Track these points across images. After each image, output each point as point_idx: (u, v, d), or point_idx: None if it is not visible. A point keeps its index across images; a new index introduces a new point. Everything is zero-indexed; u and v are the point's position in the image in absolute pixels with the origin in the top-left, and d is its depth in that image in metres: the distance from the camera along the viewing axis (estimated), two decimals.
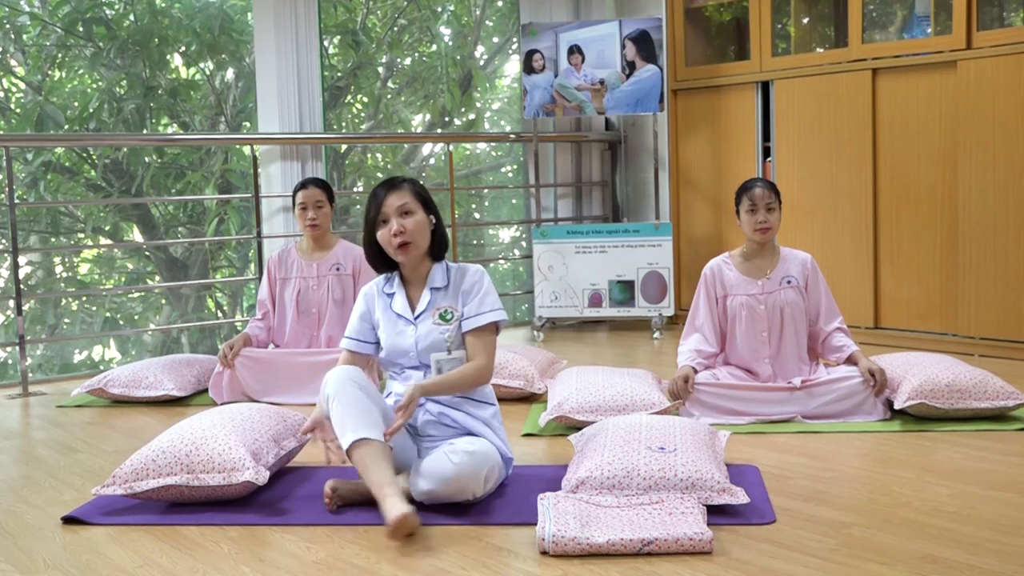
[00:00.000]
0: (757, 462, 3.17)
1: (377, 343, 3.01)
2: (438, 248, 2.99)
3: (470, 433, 2.87)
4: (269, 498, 2.90)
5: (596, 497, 2.63)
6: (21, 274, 5.48)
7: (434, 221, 2.96)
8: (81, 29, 7.77)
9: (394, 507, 2.51)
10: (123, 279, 8.52)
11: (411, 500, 2.70)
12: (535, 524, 2.53)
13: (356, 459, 2.67)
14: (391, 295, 3.01)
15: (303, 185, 4.47)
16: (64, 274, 8.33)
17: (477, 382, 2.91)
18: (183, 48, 8.15)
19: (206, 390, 4.44)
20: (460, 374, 2.87)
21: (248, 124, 8.24)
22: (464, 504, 2.75)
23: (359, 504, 2.79)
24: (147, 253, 8.45)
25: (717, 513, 2.64)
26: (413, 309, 2.97)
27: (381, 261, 2.98)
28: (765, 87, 5.78)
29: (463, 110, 9.31)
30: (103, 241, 8.24)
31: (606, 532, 2.40)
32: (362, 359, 3.03)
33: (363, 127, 9.18)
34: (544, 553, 2.40)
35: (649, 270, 5.93)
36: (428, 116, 9.44)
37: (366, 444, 2.65)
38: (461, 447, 2.70)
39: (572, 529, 2.40)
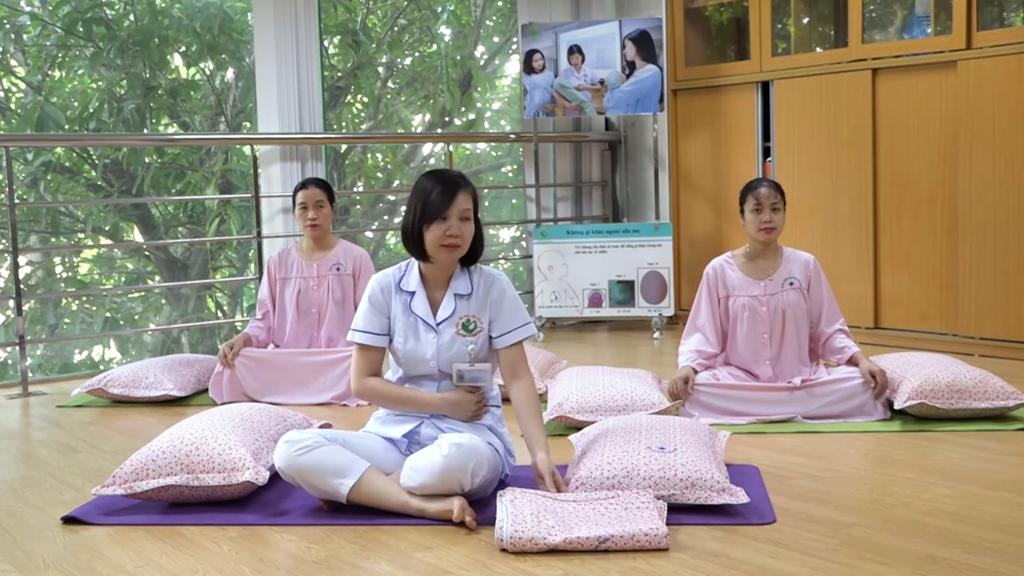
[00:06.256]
0: (757, 462, 3.17)
1: (390, 337, 2.92)
2: (473, 256, 2.89)
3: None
4: (269, 498, 2.90)
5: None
6: (21, 274, 5.48)
7: (474, 229, 2.87)
8: (81, 29, 7.78)
9: (437, 504, 2.63)
10: (123, 279, 8.52)
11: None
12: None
13: (363, 498, 2.70)
14: (411, 294, 2.90)
15: (303, 185, 4.47)
16: (64, 274, 8.33)
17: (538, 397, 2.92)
18: (183, 48, 8.15)
19: (206, 390, 4.44)
20: (534, 403, 2.85)
21: (248, 124, 8.24)
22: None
23: None
24: (147, 253, 8.45)
25: (717, 513, 2.64)
26: (434, 313, 2.89)
27: (417, 249, 2.84)
28: (765, 87, 5.78)
29: (463, 110, 9.31)
30: (103, 241, 8.24)
31: (562, 531, 2.42)
32: (377, 354, 2.92)
33: (363, 127, 9.18)
34: (504, 551, 2.41)
35: (649, 270, 5.93)
36: (428, 116, 9.45)
37: (361, 481, 2.69)
38: (450, 440, 2.67)
39: (529, 529, 2.42)
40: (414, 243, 2.82)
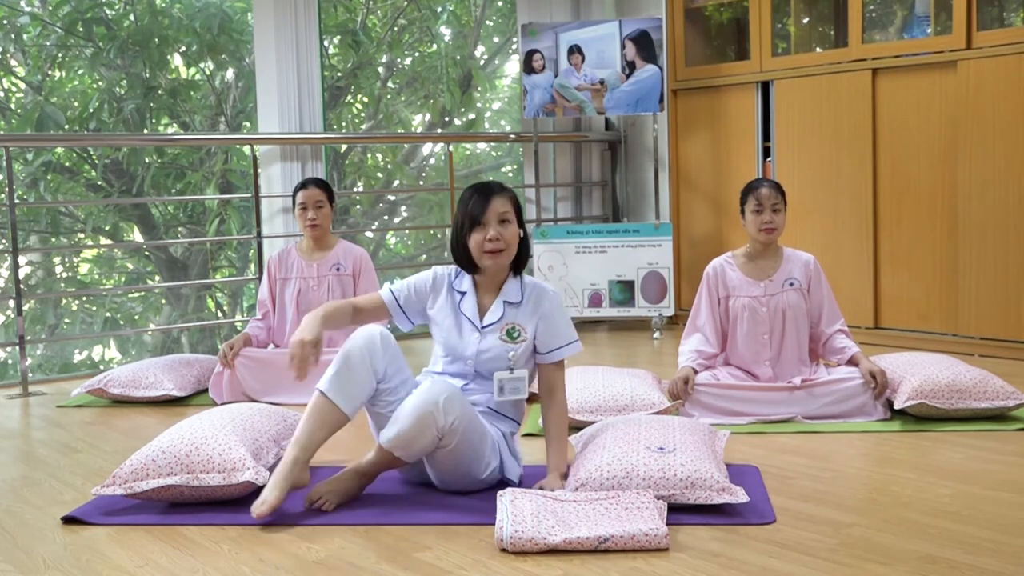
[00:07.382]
0: (757, 462, 3.17)
1: (409, 319, 2.99)
2: (520, 261, 2.93)
3: None
4: None
5: (554, 491, 2.67)
6: (21, 274, 5.48)
7: (522, 234, 2.90)
8: (81, 29, 7.78)
9: (274, 478, 2.69)
10: (123, 279, 8.53)
11: (393, 461, 2.80)
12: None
13: (308, 405, 2.80)
14: (462, 294, 2.95)
15: (303, 185, 4.47)
16: (64, 274, 8.33)
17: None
18: (183, 48, 8.15)
19: (206, 390, 4.44)
20: (563, 424, 2.92)
21: (248, 124, 8.24)
22: (464, 494, 2.82)
23: (354, 499, 2.83)
24: (147, 253, 8.45)
25: (717, 513, 2.64)
26: (482, 316, 2.93)
27: (466, 262, 2.90)
28: (765, 87, 5.78)
29: (463, 110, 9.31)
30: (103, 241, 8.25)
31: (563, 531, 2.42)
32: (383, 313, 2.99)
33: (363, 127, 9.18)
34: (504, 551, 2.41)
35: (649, 270, 5.93)
36: (428, 116, 9.45)
37: (322, 400, 2.77)
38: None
39: (529, 529, 2.42)
40: (461, 253, 2.88)
